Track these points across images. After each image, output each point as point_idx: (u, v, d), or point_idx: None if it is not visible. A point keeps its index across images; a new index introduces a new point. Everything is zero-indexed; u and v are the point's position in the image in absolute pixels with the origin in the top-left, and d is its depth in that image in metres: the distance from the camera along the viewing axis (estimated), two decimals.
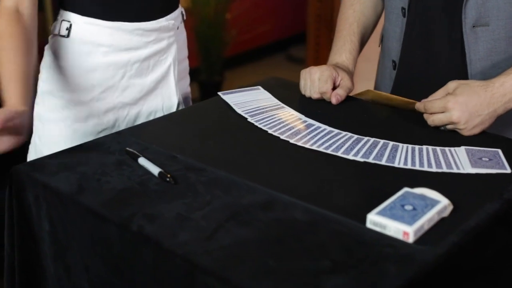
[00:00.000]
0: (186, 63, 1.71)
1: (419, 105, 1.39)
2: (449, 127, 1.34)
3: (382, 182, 1.15)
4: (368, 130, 1.35)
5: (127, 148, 1.26)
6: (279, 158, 1.26)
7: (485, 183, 1.15)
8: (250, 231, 1.00)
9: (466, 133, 1.32)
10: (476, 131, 1.32)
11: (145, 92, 1.56)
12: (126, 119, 1.57)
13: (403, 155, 1.23)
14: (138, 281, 1.04)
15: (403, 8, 1.53)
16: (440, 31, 1.49)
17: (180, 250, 0.96)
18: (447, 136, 1.33)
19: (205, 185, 1.14)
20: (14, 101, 1.27)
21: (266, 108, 1.47)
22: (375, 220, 0.99)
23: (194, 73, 4.41)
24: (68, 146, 1.35)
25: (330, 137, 1.31)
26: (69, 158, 1.25)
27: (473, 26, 1.42)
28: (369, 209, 1.02)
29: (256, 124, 1.39)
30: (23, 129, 1.24)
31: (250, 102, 1.50)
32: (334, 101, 1.49)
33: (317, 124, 1.38)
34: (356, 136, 1.32)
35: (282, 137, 1.32)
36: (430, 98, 1.37)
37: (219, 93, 1.55)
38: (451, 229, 1.00)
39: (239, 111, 1.46)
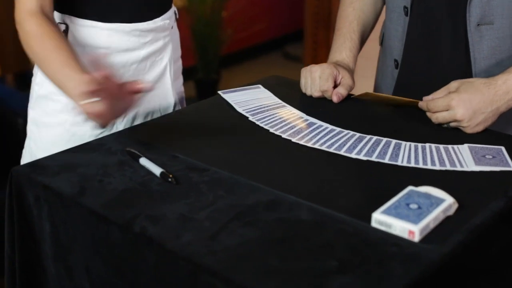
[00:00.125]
0: (180, 62, 1.70)
1: (422, 104, 1.39)
2: (452, 124, 1.34)
3: (386, 181, 1.15)
4: (370, 128, 1.34)
5: (128, 149, 1.25)
6: (281, 157, 1.25)
7: (489, 181, 1.14)
8: (254, 231, 1.00)
9: (469, 130, 1.32)
10: (479, 128, 1.32)
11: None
12: (124, 121, 1.55)
13: (406, 153, 1.23)
14: (140, 283, 1.03)
15: (405, 7, 1.52)
16: (444, 29, 1.48)
17: (183, 251, 0.96)
18: (450, 134, 1.33)
19: (208, 185, 1.13)
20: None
21: (267, 107, 1.47)
22: (380, 219, 0.99)
23: (190, 72, 4.42)
24: None
25: (332, 136, 1.31)
26: (69, 159, 1.24)
27: (478, 25, 1.42)
28: (374, 208, 1.01)
29: (257, 123, 1.38)
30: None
31: (251, 101, 1.49)
32: (335, 99, 1.49)
33: (319, 122, 1.38)
34: (358, 135, 1.31)
35: (283, 136, 1.31)
36: (432, 96, 1.37)
37: (219, 92, 1.54)
38: (456, 228, 0.99)
39: (239, 110, 1.45)
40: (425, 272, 0.91)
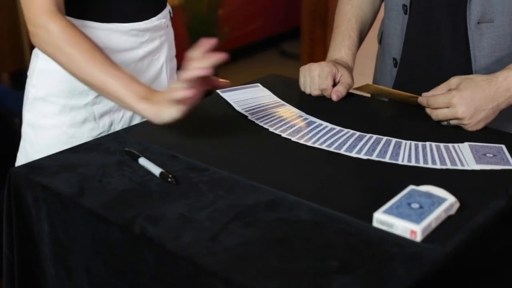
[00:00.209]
0: (174, 62, 1.69)
1: (422, 100, 1.38)
2: (453, 122, 1.33)
3: (387, 180, 1.14)
4: (370, 127, 1.34)
5: (127, 148, 1.24)
6: (280, 156, 1.24)
7: (490, 180, 1.14)
8: (254, 232, 0.99)
9: (470, 128, 1.32)
10: (480, 126, 1.32)
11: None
12: (121, 121, 1.55)
13: (407, 152, 1.22)
14: (140, 283, 1.03)
15: (404, 6, 1.52)
16: (444, 28, 1.47)
17: (183, 251, 0.95)
18: (450, 132, 1.32)
19: (208, 185, 1.12)
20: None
21: (266, 105, 1.46)
22: (382, 219, 0.98)
23: None
24: None
25: (332, 135, 1.30)
26: (68, 159, 1.24)
27: (478, 23, 1.41)
28: (375, 208, 1.00)
29: (256, 122, 1.37)
30: None
31: (250, 99, 1.48)
32: (334, 97, 1.48)
33: (319, 121, 1.37)
34: (358, 133, 1.31)
35: (283, 135, 1.31)
36: (432, 92, 1.37)
37: (218, 90, 1.53)
38: (458, 227, 0.99)
39: (238, 109, 1.44)
40: (427, 272, 0.90)
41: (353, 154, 1.22)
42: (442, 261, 0.92)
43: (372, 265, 0.91)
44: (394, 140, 1.27)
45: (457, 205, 1.02)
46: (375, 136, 1.29)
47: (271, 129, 1.33)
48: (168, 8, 1.62)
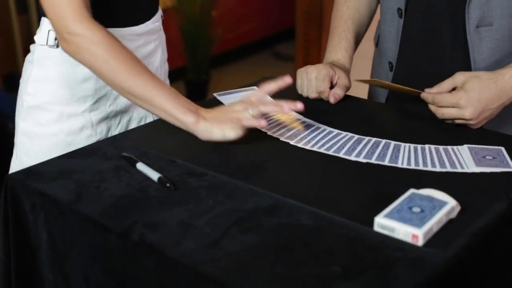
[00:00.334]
0: (166, 66, 1.68)
1: (427, 96, 1.37)
2: (458, 121, 1.33)
3: (387, 183, 1.13)
4: (368, 130, 1.33)
5: (124, 153, 1.23)
6: (279, 160, 1.23)
7: (490, 182, 1.13)
8: (255, 237, 0.98)
9: (474, 127, 1.32)
10: (483, 123, 1.33)
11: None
12: (118, 127, 1.54)
13: (406, 155, 1.22)
14: None
15: (399, 9, 1.51)
16: (442, 32, 1.47)
17: (184, 258, 0.94)
18: (448, 134, 1.32)
19: (207, 190, 1.12)
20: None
21: None
22: (383, 223, 0.97)
23: (180, 73, 4.41)
24: None
25: (331, 138, 1.30)
26: (65, 164, 1.23)
27: (477, 27, 1.41)
28: (376, 212, 1.00)
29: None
30: None
31: None
32: (332, 100, 1.48)
33: (317, 124, 1.36)
34: (357, 136, 1.30)
35: (281, 138, 1.30)
36: (436, 89, 1.36)
37: (215, 94, 1.53)
38: (460, 231, 0.98)
39: None
40: (429, 277, 0.90)
41: (352, 158, 1.21)
42: (444, 266, 0.92)
43: (374, 270, 0.90)
44: (393, 143, 1.27)
45: (458, 208, 1.02)
46: (373, 139, 1.29)
47: (269, 133, 1.33)
48: (160, 11, 1.61)
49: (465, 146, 1.24)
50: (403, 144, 1.26)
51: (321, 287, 0.87)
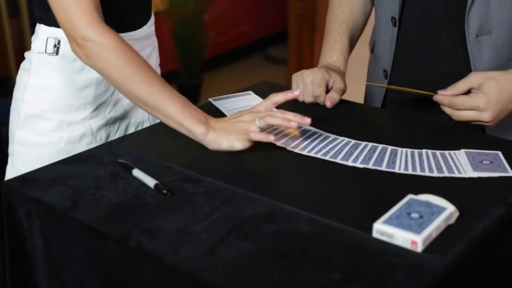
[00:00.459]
0: (159, 70, 1.68)
1: (442, 99, 1.34)
2: (474, 123, 1.33)
3: (384, 189, 1.13)
4: (365, 135, 1.32)
5: (120, 160, 1.23)
6: (276, 166, 1.23)
7: (488, 187, 1.13)
8: (253, 244, 0.98)
9: (491, 127, 1.33)
10: (498, 122, 1.33)
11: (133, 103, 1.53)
12: (117, 133, 1.53)
13: (403, 160, 1.21)
14: None
15: (393, 18, 1.51)
16: (440, 40, 1.46)
17: (181, 265, 0.94)
18: (445, 139, 1.32)
19: (204, 197, 1.11)
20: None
21: None
22: (382, 229, 0.97)
23: (173, 76, 4.40)
24: None
25: (327, 143, 1.29)
26: (60, 171, 1.22)
27: (477, 36, 1.40)
28: (374, 218, 0.99)
29: None
30: None
31: (243, 108, 1.46)
32: (328, 104, 1.47)
33: (313, 129, 1.36)
34: (353, 141, 1.30)
35: (278, 144, 1.29)
36: (452, 91, 1.33)
37: (210, 99, 1.52)
38: (458, 236, 0.98)
39: None
40: (428, 283, 0.89)
41: (349, 163, 1.21)
42: (444, 272, 0.91)
43: (373, 276, 0.90)
44: (390, 148, 1.27)
45: (457, 214, 1.01)
46: (370, 144, 1.28)
47: None
48: (153, 16, 1.60)
49: (462, 151, 1.24)
50: (400, 149, 1.26)
51: None
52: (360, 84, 1.75)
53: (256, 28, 5.55)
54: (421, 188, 1.08)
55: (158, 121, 1.54)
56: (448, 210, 1.00)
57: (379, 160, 1.22)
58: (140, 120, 1.57)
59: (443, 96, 1.34)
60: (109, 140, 1.50)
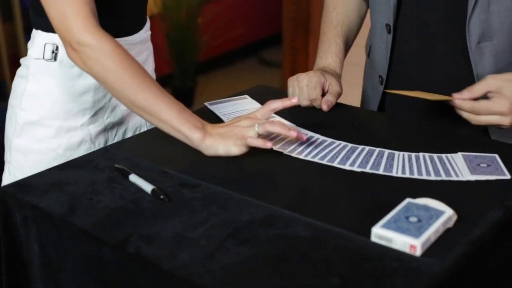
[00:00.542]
0: (154, 75, 1.67)
1: (462, 103, 1.31)
2: (493, 126, 1.33)
3: (382, 193, 1.13)
4: (362, 138, 1.32)
5: (116, 165, 1.22)
6: (273, 170, 1.23)
7: (485, 190, 1.13)
8: (251, 249, 0.97)
9: (507, 128, 1.31)
10: None
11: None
12: (115, 138, 1.53)
13: (401, 164, 1.21)
14: None
15: (387, 25, 1.50)
16: (439, 48, 1.45)
17: (180, 271, 0.93)
18: (442, 142, 1.32)
19: (201, 202, 1.11)
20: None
21: None
22: (380, 233, 0.97)
23: (167, 79, 4.39)
24: None
25: (324, 147, 1.29)
26: (57, 177, 1.21)
27: (478, 43, 1.39)
28: (372, 222, 0.99)
29: None
30: None
31: (239, 112, 1.46)
32: (325, 108, 1.47)
33: (310, 133, 1.36)
34: (350, 145, 1.29)
35: (275, 148, 1.29)
36: (469, 95, 1.31)
37: (206, 103, 1.52)
38: (457, 240, 0.98)
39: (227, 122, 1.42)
40: (428, 287, 0.89)
41: (347, 167, 1.21)
42: (442, 275, 0.91)
43: (372, 281, 0.90)
44: (387, 151, 1.26)
45: (455, 217, 1.01)
46: (367, 148, 1.28)
47: None
48: (148, 21, 1.60)
49: (459, 154, 1.24)
50: (397, 153, 1.26)
51: None
52: (356, 87, 1.76)
53: (250, 31, 5.55)
54: (419, 192, 1.08)
55: (153, 126, 1.54)
56: (446, 214, 1.00)
57: (377, 164, 1.21)
58: (138, 124, 1.57)
59: (463, 102, 1.31)
60: (107, 145, 1.50)
